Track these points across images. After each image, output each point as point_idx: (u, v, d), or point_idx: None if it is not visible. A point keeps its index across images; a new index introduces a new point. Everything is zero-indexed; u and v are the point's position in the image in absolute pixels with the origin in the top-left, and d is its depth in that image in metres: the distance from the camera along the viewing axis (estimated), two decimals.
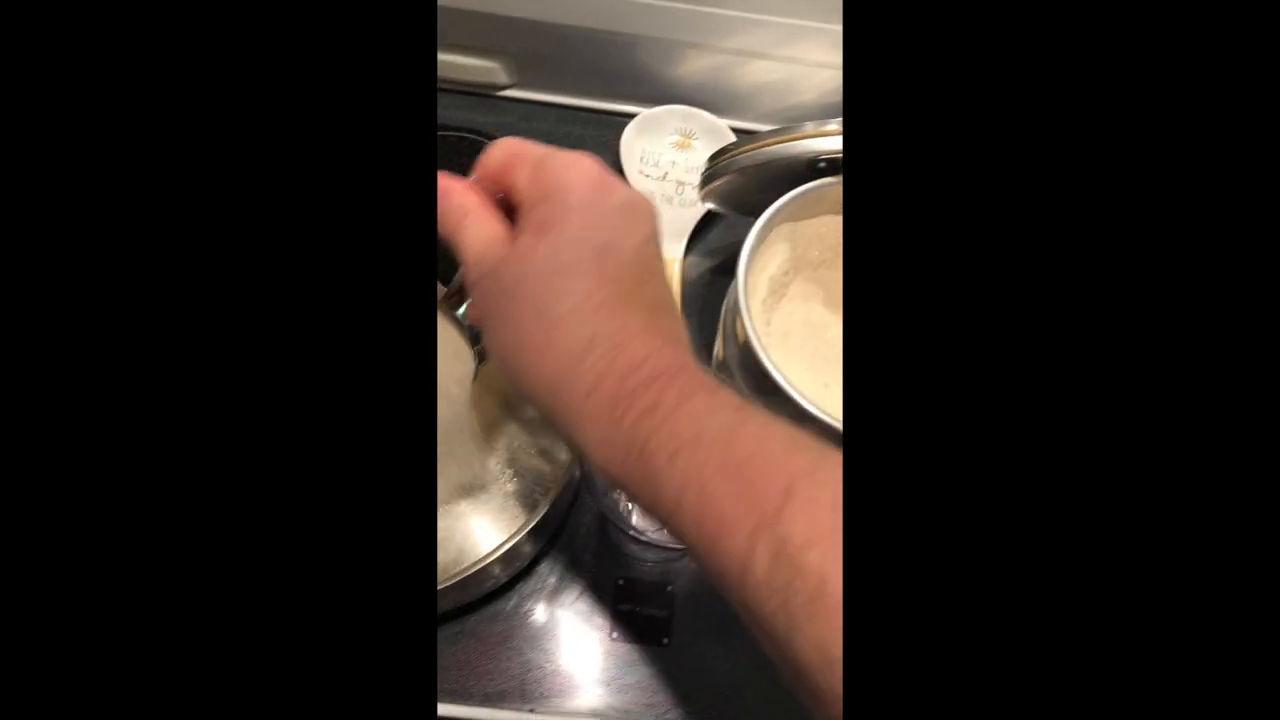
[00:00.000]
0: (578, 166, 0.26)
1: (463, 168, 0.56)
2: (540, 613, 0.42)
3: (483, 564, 0.36)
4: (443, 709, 0.40)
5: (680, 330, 0.26)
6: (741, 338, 0.36)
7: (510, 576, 0.42)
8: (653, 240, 0.27)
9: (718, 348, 0.42)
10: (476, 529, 0.42)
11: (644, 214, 0.27)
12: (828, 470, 0.20)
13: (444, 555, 0.41)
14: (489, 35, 0.54)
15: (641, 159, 0.55)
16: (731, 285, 0.39)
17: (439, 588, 0.37)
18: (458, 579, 0.36)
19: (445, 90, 0.58)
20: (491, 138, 0.56)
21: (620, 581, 0.43)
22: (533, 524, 0.36)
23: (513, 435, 0.45)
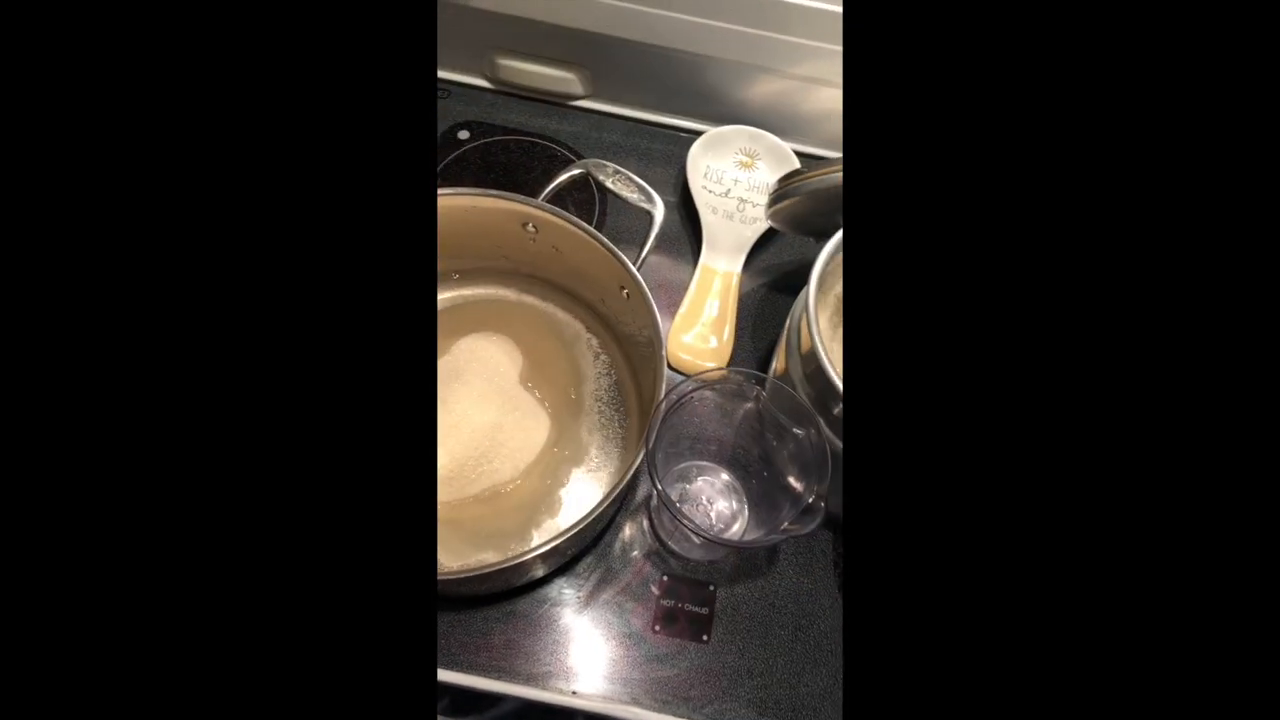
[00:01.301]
0: None
1: (536, 171, 0.59)
2: (587, 601, 0.44)
3: (523, 559, 0.37)
4: (487, 684, 0.42)
5: None
6: (806, 348, 0.37)
7: (555, 568, 0.44)
8: None
9: (776, 361, 0.43)
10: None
11: None
12: None
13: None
14: (568, 48, 0.57)
15: (706, 174, 0.57)
16: (797, 299, 0.41)
17: (480, 574, 0.39)
18: (499, 569, 0.38)
19: (523, 97, 0.61)
20: (564, 145, 0.59)
21: (665, 577, 0.44)
22: (578, 528, 0.37)
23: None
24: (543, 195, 0.44)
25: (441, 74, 0.61)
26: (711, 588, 0.44)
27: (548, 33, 0.55)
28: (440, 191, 0.44)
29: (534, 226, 0.45)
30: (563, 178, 0.45)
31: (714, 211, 0.55)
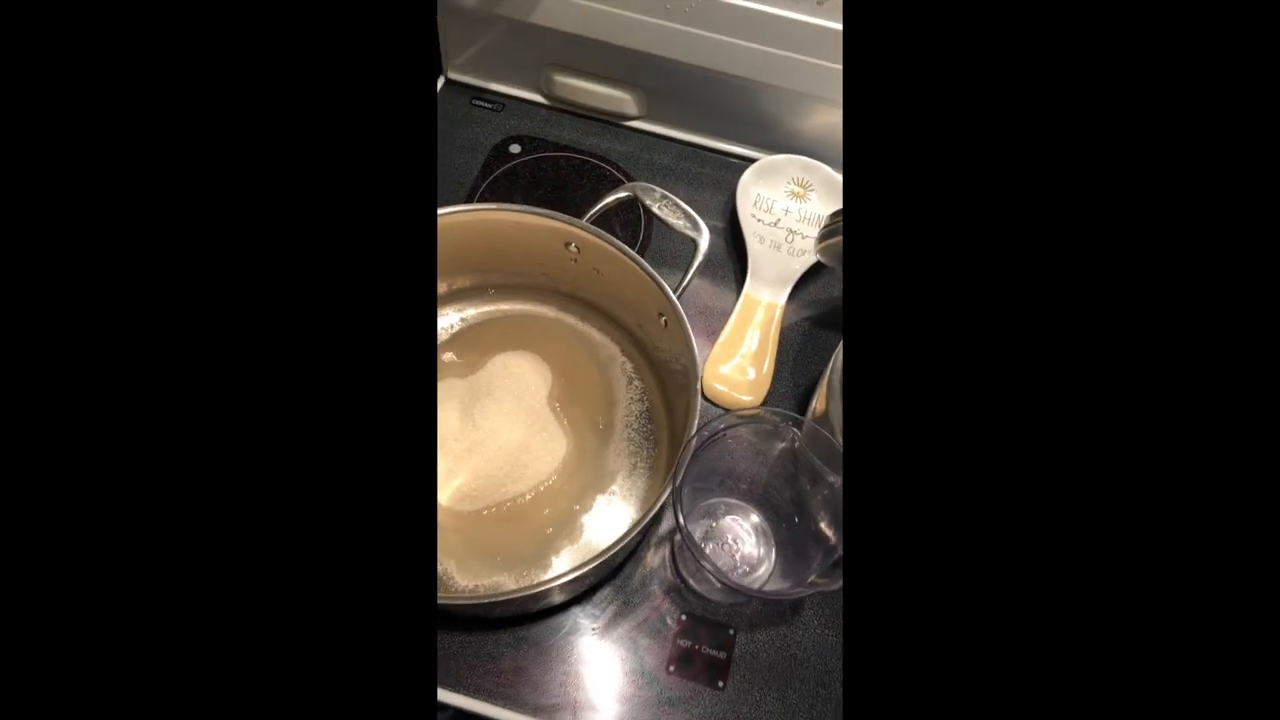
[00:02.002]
0: None
1: (584, 189, 0.58)
2: (602, 634, 0.42)
3: (540, 588, 0.36)
4: (493, 710, 0.40)
5: None
6: None
7: (573, 596, 0.43)
8: None
9: (816, 400, 0.42)
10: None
11: None
12: None
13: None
14: (624, 67, 0.56)
15: (756, 202, 0.55)
16: (843, 339, 0.39)
17: (496, 600, 0.38)
18: (515, 596, 0.37)
19: (577, 114, 0.60)
20: (615, 164, 0.58)
21: (683, 616, 0.43)
22: (599, 560, 0.36)
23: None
24: (588, 216, 0.43)
25: (497, 87, 0.61)
26: (731, 631, 0.42)
27: (604, 51, 0.55)
28: (484, 206, 0.44)
29: (576, 247, 0.44)
30: (609, 200, 0.44)
31: (761, 241, 0.54)
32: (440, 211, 0.43)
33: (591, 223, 0.43)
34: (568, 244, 0.44)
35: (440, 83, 0.61)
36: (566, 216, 0.43)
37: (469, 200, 0.55)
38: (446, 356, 0.47)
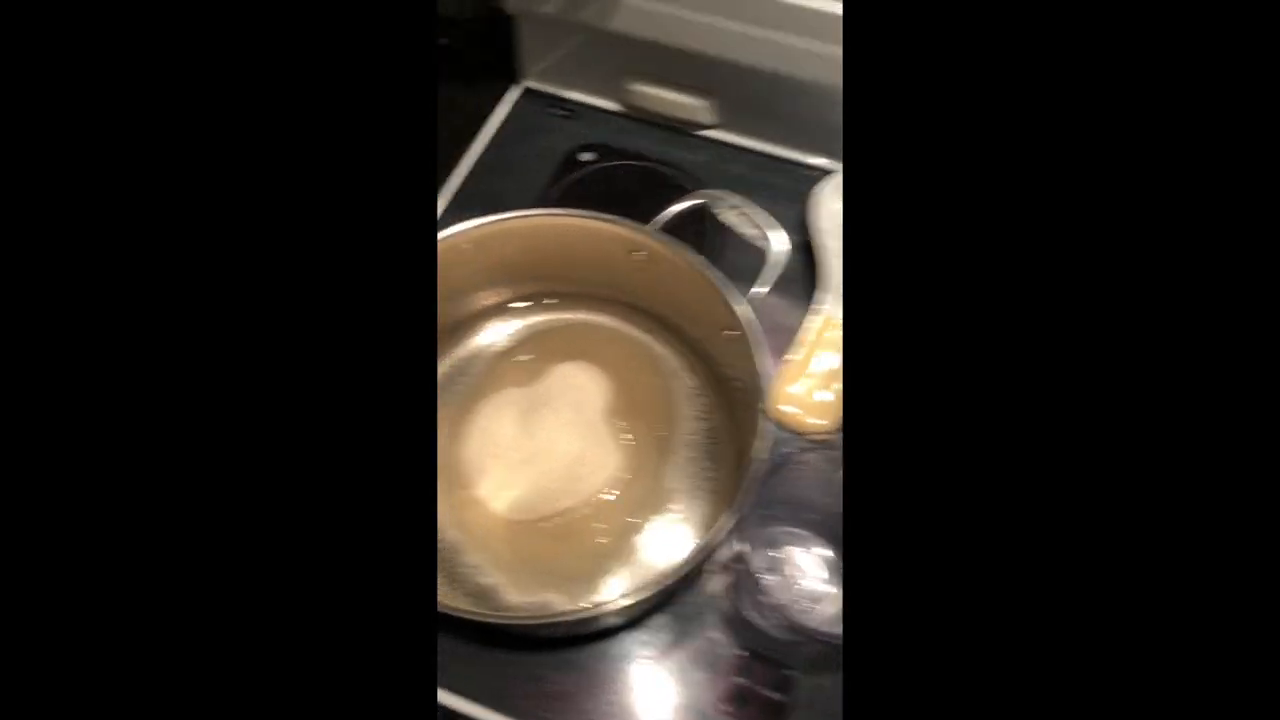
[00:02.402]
0: None
1: (655, 199, 0.57)
2: (653, 664, 0.40)
3: (592, 613, 0.34)
4: None
5: None
6: None
7: (627, 621, 0.41)
8: None
9: None
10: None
11: None
12: None
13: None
14: (700, 74, 0.55)
15: (833, 216, 0.53)
16: None
17: (546, 621, 0.36)
18: (565, 620, 0.35)
19: (650, 123, 0.59)
20: (688, 173, 0.57)
21: (740, 651, 0.40)
22: (658, 589, 0.34)
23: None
24: (656, 223, 0.42)
25: (572, 95, 0.60)
26: (792, 673, 0.39)
27: (680, 58, 0.54)
28: (550, 211, 0.43)
29: (644, 254, 0.43)
30: (680, 206, 0.42)
31: (837, 257, 0.51)
32: (505, 216, 0.42)
33: (661, 230, 0.42)
34: (634, 251, 0.43)
35: (518, 92, 0.61)
36: (633, 223, 0.41)
37: (545, 200, 0.55)
38: (506, 363, 0.47)
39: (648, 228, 0.41)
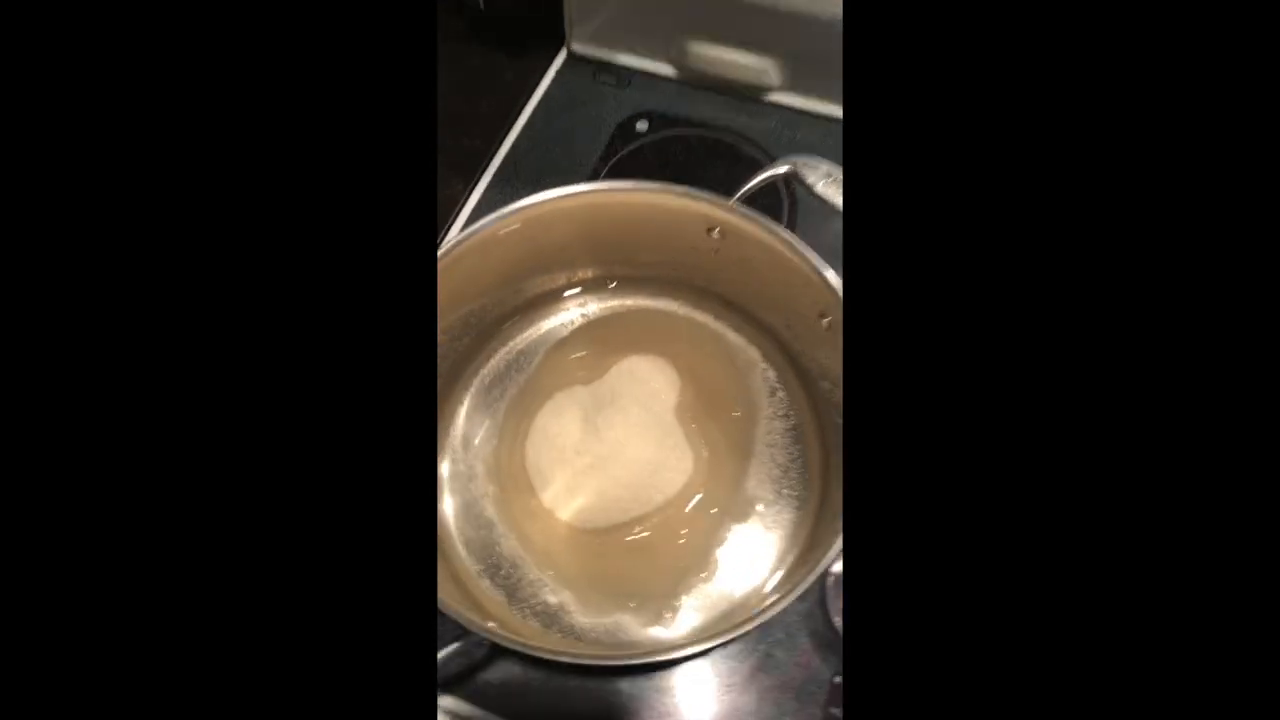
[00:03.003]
0: None
1: (719, 171, 0.52)
2: (738, 690, 0.36)
3: (672, 654, 0.30)
4: None
5: None
6: None
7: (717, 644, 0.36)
8: None
9: None
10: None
11: None
12: None
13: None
14: (765, 30, 0.49)
15: None
16: None
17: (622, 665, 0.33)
18: (641, 661, 0.31)
19: (710, 89, 0.54)
20: (754, 142, 0.52)
21: (837, 678, 0.36)
22: (745, 628, 0.30)
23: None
24: (737, 196, 0.37)
25: (623, 60, 0.55)
26: None
27: (741, 13, 0.48)
28: (614, 186, 0.38)
29: (720, 233, 0.38)
30: (764, 176, 0.37)
31: None
32: (561, 192, 0.37)
33: (741, 204, 0.37)
34: (711, 229, 0.38)
35: (562, 57, 0.56)
36: (712, 196, 0.36)
37: (597, 172, 0.50)
38: (566, 357, 0.42)
39: (729, 202, 0.36)
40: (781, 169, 0.37)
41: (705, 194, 0.36)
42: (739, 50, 0.51)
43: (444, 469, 0.40)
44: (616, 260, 0.43)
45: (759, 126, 0.52)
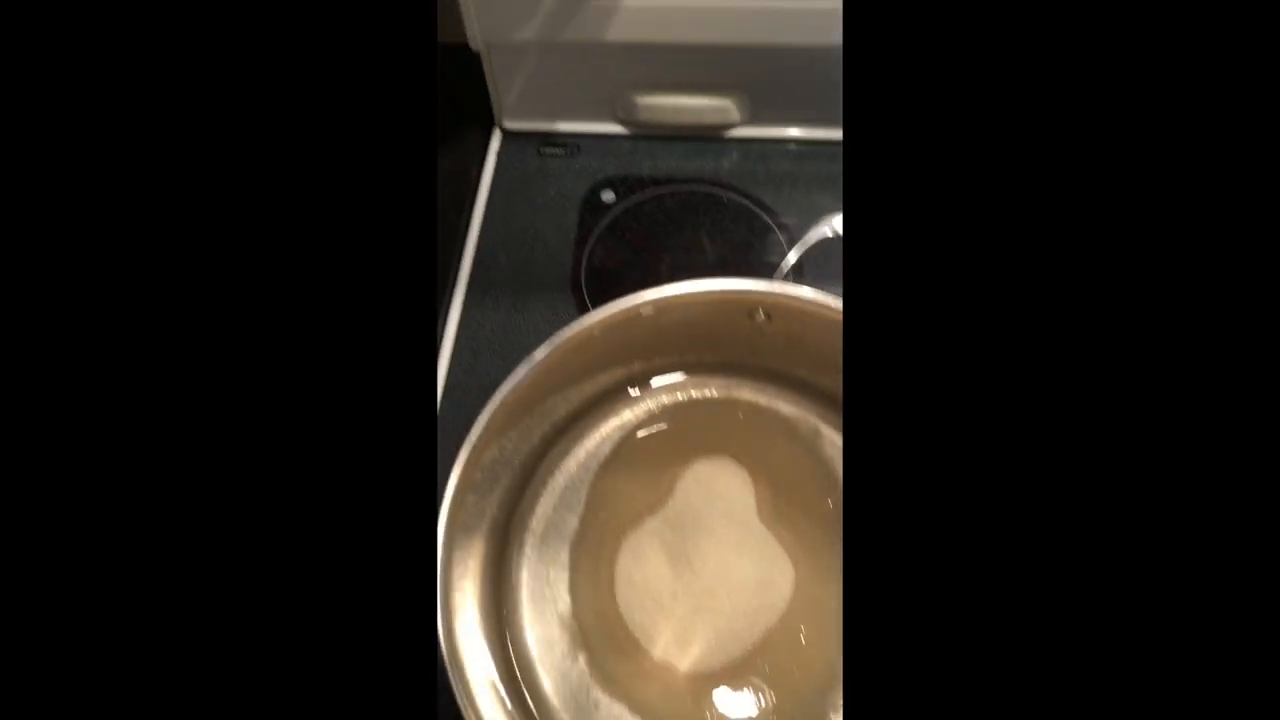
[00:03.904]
0: None
1: (704, 224, 0.48)
2: None
3: None
4: None
5: None
6: None
7: None
8: None
9: None
10: None
11: None
12: None
13: None
14: (720, 69, 0.46)
15: None
16: None
17: None
18: None
19: (666, 138, 0.50)
20: (729, 186, 0.48)
21: None
22: None
23: None
24: (780, 273, 0.33)
25: (565, 126, 0.51)
26: None
27: (696, 57, 0.45)
28: (635, 302, 0.33)
29: (766, 313, 0.34)
30: (810, 239, 0.34)
31: None
32: (581, 327, 0.32)
33: (785, 278, 0.33)
34: (753, 313, 0.34)
35: (497, 138, 0.51)
36: (751, 282, 0.33)
37: (577, 278, 0.45)
38: (620, 483, 0.38)
39: (770, 282, 0.33)
40: (827, 233, 0.34)
41: (743, 281, 0.33)
42: (694, 94, 0.48)
43: (526, 642, 0.35)
44: (644, 360, 0.39)
45: (728, 167, 0.49)
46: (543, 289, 0.45)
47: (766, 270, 0.44)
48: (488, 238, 0.47)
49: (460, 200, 0.48)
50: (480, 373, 0.43)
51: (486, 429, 0.31)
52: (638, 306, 0.33)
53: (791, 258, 0.34)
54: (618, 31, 0.43)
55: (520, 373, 0.31)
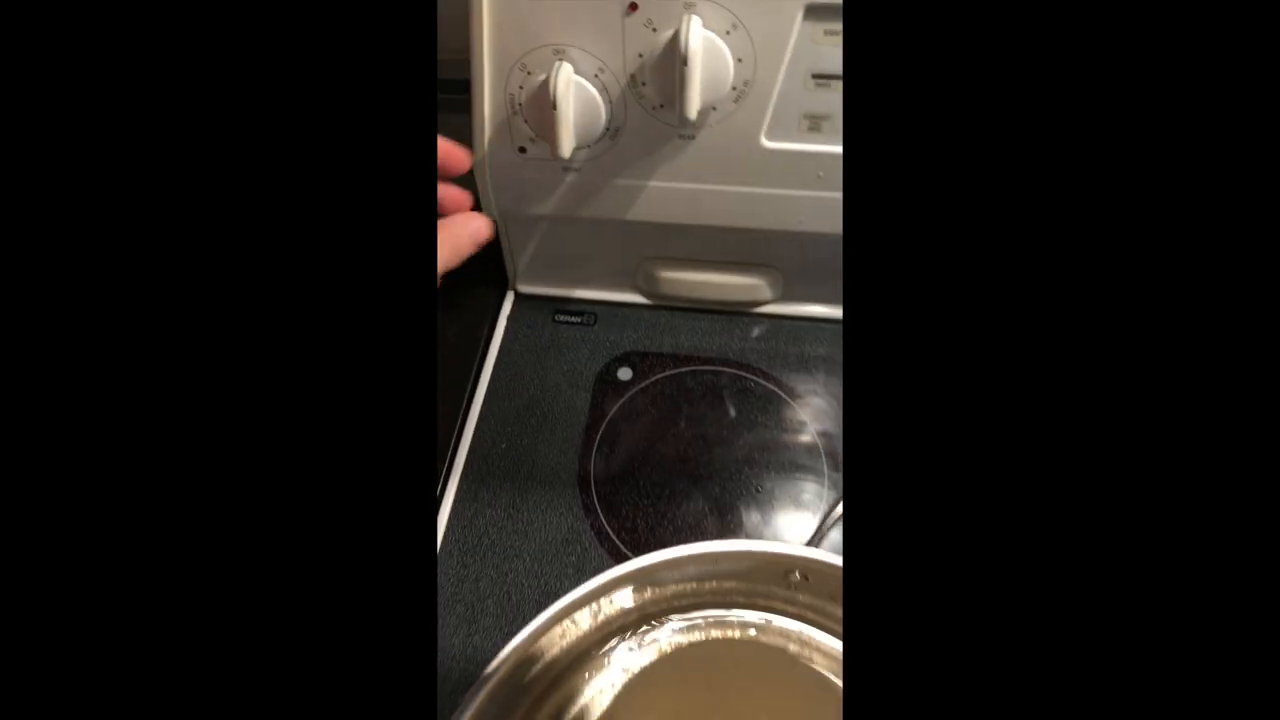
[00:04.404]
0: None
1: (730, 410, 0.44)
2: None
3: None
4: None
5: None
6: None
7: None
8: None
9: None
10: None
11: None
12: None
13: None
14: (752, 250, 0.43)
15: None
16: None
17: None
18: None
19: (692, 310, 0.47)
20: (756, 368, 0.44)
21: None
22: None
23: None
24: (818, 532, 0.29)
25: (583, 294, 0.47)
26: None
27: (727, 235, 0.42)
28: (668, 559, 0.29)
29: (802, 574, 0.29)
30: (833, 514, 0.29)
31: None
32: (600, 583, 0.28)
33: (818, 538, 0.29)
34: (789, 573, 0.29)
35: (510, 300, 0.48)
36: (786, 546, 0.28)
37: (585, 467, 0.41)
38: None
39: (806, 548, 0.28)
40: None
41: (779, 545, 0.28)
42: (722, 273, 0.45)
43: None
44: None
45: (756, 347, 0.45)
46: (545, 485, 0.40)
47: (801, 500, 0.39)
48: (489, 419, 0.43)
49: (465, 368, 0.44)
50: (470, 583, 0.37)
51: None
52: (653, 564, 0.28)
53: (828, 521, 0.29)
54: (639, 212, 0.40)
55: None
